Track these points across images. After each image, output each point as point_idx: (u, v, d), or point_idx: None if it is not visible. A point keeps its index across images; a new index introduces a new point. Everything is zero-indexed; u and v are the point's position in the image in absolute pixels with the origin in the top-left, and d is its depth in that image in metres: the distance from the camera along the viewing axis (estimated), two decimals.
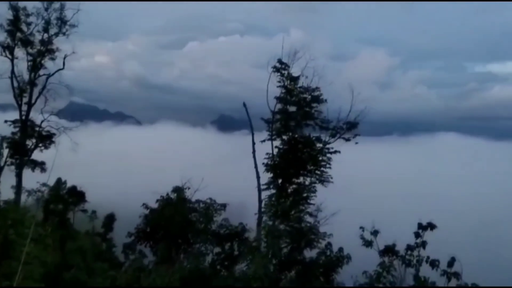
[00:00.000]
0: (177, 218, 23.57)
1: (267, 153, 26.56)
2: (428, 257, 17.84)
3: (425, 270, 17.53)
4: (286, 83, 26.24)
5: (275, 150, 26.32)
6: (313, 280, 16.91)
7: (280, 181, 25.52)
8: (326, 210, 22.27)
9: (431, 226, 18.29)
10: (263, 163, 26.32)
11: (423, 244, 18.29)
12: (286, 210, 22.86)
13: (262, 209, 24.43)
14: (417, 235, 18.42)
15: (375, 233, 18.63)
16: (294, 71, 26.39)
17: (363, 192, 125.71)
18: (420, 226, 18.47)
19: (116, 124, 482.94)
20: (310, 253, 18.28)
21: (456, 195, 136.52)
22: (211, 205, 25.70)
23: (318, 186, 26.78)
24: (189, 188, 26.21)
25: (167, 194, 26.11)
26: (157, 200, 25.99)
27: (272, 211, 23.06)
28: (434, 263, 17.24)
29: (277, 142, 26.46)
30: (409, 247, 18.30)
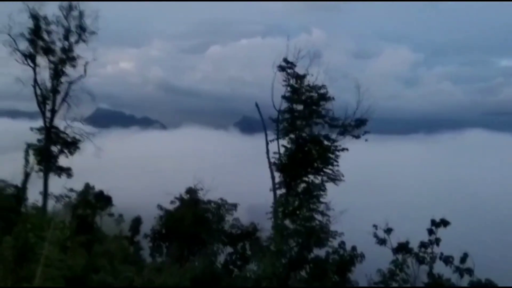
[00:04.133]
0: (188, 219, 23.84)
1: (274, 152, 26.51)
2: (442, 254, 17.70)
3: (439, 267, 17.38)
4: (292, 82, 26.30)
5: (285, 150, 26.21)
6: (325, 279, 16.96)
7: (288, 180, 25.39)
8: (343, 210, 22.01)
9: (444, 222, 18.12)
10: (271, 162, 26.22)
11: (437, 241, 18.16)
12: (295, 209, 22.77)
13: (272, 209, 24.33)
14: (430, 232, 18.29)
15: (388, 231, 18.60)
16: (312, 70, 26.23)
17: (383, 191, 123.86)
18: (433, 222, 18.32)
19: (143, 129, 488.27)
20: (321, 252, 18.27)
21: (481, 192, 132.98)
22: (222, 205, 25.91)
23: (334, 185, 26.58)
24: (202, 189, 26.46)
25: (180, 195, 26.41)
26: (171, 202, 26.29)
27: (281, 211, 22.99)
28: (447, 260, 17.12)
29: (286, 141, 26.33)
30: (423, 244, 18.18)
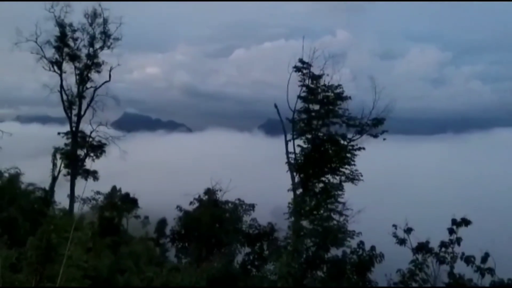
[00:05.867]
0: (205, 219, 24.06)
1: (290, 152, 26.52)
2: (463, 254, 17.30)
3: (460, 267, 17.03)
4: (308, 82, 26.16)
5: (301, 150, 26.18)
6: (343, 279, 16.84)
7: (304, 180, 25.33)
8: (361, 209, 21.91)
9: (465, 222, 17.72)
10: (286, 163, 26.25)
11: (458, 241, 17.75)
12: (312, 209, 22.73)
13: (289, 209, 24.32)
14: (451, 231, 17.92)
15: (408, 230, 18.30)
16: (332, 71, 26.06)
17: (408, 190, 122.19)
18: (454, 222, 17.93)
19: (169, 132, 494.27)
20: (339, 252, 18.16)
21: (509, 191, 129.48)
22: (239, 205, 26.10)
23: (359, 185, 26.38)
24: (220, 190, 26.73)
25: (199, 196, 26.69)
26: (190, 202, 26.60)
27: (297, 210, 22.97)
28: (469, 260, 16.70)
29: (302, 141, 26.30)
30: (443, 244, 17.80)
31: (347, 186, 25.62)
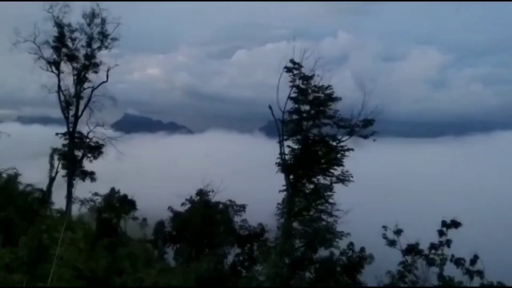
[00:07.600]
0: (196, 220, 24.11)
1: (280, 153, 26.44)
2: (452, 256, 17.36)
3: (450, 269, 17.08)
4: (298, 83, 26.08)
5: (291, 150, 26.11)
6: (332, 280, 16.86)
7: (293, 181, 25.26)
8: (349, 210, 21.93)
9: (455, 224, 17.78)
10: (276, 163, 26.22)
11: (448, 243, 17.81)
12: (301, 210, 22.75)
13: (278, 210, 24.28)
14: (440, 233, 17.98)
15: (398, 232, 18.37)
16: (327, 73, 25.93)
17: (405, 193, 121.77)
18: (444, 224, 18.00)
19: (169, 134, 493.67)
20: (327, 253, 18.20)
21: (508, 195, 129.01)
22: (230, 206, 26.08)
23: (357, 186, 26.28)
24: (213, 191, 26.70)
25: (191, 197, 26.71)
26: (182, 204, 26.60)
27: (286, 211, 22.95)
28: (459, 262, 16.78)
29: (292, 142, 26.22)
30: (433, 246, 17.87)
31: (343, 188, 25.53)
